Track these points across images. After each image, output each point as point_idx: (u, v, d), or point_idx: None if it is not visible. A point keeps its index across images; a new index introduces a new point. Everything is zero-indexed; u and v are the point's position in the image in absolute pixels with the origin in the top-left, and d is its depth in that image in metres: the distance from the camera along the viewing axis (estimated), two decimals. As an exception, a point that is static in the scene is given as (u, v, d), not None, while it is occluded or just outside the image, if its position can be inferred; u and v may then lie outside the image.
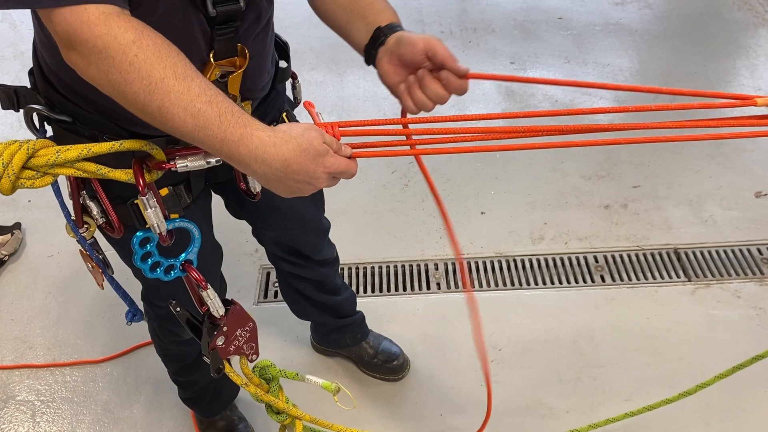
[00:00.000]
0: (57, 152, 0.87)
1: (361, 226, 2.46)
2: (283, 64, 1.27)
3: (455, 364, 2.02)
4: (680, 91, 1.03)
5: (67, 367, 2.07)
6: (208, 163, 0.93)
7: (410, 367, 2.00)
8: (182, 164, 0.93)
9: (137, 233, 0.99)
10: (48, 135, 1.05)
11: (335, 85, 3.18)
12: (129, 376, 2.04)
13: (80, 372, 2.06)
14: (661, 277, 2.25)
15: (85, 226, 1.11)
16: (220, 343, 1.07)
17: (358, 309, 1.94)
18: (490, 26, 3.57)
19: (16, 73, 3.37)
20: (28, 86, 1.07)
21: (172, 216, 1.05)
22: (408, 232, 2.46)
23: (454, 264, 2.33)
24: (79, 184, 1.05)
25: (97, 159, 0.93)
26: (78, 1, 0.79)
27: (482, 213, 2.51)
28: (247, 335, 1.11)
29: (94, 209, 1.07)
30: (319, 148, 0.88)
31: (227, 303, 1.08)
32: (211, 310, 1.05)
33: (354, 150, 0.97)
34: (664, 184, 2.60)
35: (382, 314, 2.15)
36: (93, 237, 1.17)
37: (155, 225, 0.97)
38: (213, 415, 1.83)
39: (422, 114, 1.07)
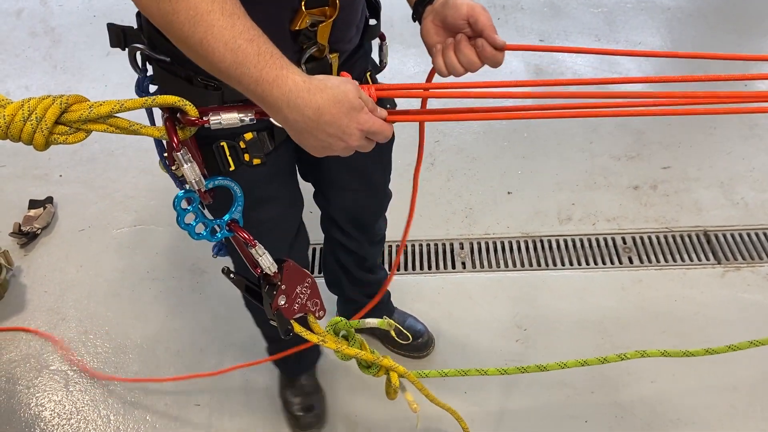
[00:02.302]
0: (90, 107, 0.86)
1: (386, 205, 2.46)
2: (372, 21, 1.28)
3: (479, 342, 2.03)
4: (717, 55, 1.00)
5: (98, 338, 2.12)
6: (242, 120, 0.93)
7: (435, 345, 2.01)
8: (215, 120, 0.93)
9: (178, 193, 0.98)
10: (149, 74, 1.13)
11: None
12: (159, 349, 2.08)
13: (111, 344, 2.11)
14: (690, 259, 2.22)
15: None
16: (282, 303, 1.05)
17: (384, 287, 1.96)
18: (519, 3, 3.52)
19: (47, 48, 3.41)
20: (134, 26, 1.11)
21: (255, 162, 1.08)
22: (433, 210, 2.46)
23: (479, 243, 2.33)
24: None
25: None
26: None
27: (509, 193, 2.50)
28: (309, 292, 1.09)
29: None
30: (354, 102, 0.87)
31: (280, 261, 1.06)
32: (263, 266, 1.04)
33: (390, 115, 0.95)
34: (695, 165, 2.55)
35: (408, 292, 2.16)
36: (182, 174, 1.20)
37: (193, 181, 0.96)
38: (295, 374, 1.90)
39: (452, 80, 1.06)
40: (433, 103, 1.12)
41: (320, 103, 0.84)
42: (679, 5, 3.46)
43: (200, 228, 1.01)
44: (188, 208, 1.00)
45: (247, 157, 1.18)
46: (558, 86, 1.07)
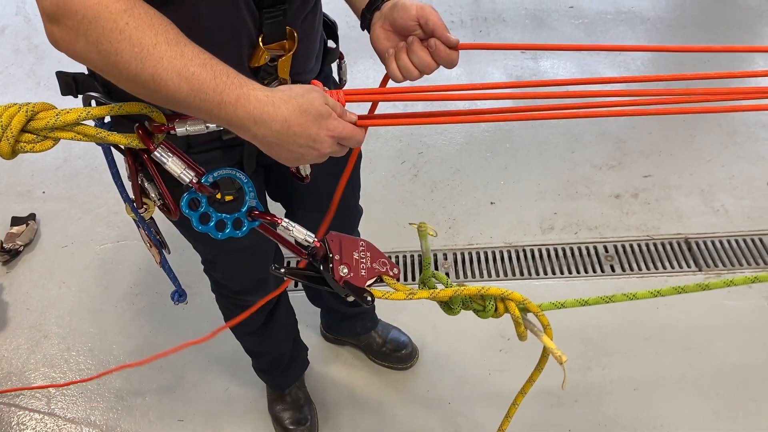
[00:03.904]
0: (56, 115, 0.86)
1: (370, 216, 2.45)
2: (331, 44, 1.27)
3: (463, 353, 2.03)
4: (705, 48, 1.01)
5: (81, 355, 2.11)
6: (207, 127, 0.92)
7: (419, 356, 2.01)
8: (182, 128, 0.91)
9: (183, 195, 0.96)
10: (106, 121, 1.05)
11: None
12: (142, 365, 2.07)
13: (93, 360, 2.09)
14: (672, 266, 2.24)
15: (144, 206, 1.13)
16: (345, 273, 1.00)
17: (368, 298, 1.96)
18: (501, 16, 3.55)
19: (31, 65, 3.41)
20: (86, 72, 1.06)
21: (227, 198, 1.03)
22: (417, 222, 2.46)
23: (463, 254, 2.33)
24: (137, 167, 1.06)
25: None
26: None
27: (492, 203, 2.51)
28: (369, 254, 1.03)
29: (152, 192, 1.07)
30: (321, 109, 0.86)
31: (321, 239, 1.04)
32: (298, 239, 1.00)
33: (361, 119, 0.94)
34: (676, 173, 2.58)
35: (391, 304, 2.13)
36: (151, 217, 1.19)
37: (180, 175, 0.94)
38: (283, 388, 1.88)
39: (430, 83, 1.03)
40: (418, 109, 1.11)
41: (286, 114, 0.83)
42: (659, 16, 3.51)
43: (221, 225, 0.99)
44: (200, 209, 0.98)
45: (218, 195, 1.17)
46: (535, 87, 1.07)
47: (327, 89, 0.93)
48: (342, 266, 1.00)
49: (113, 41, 0.78)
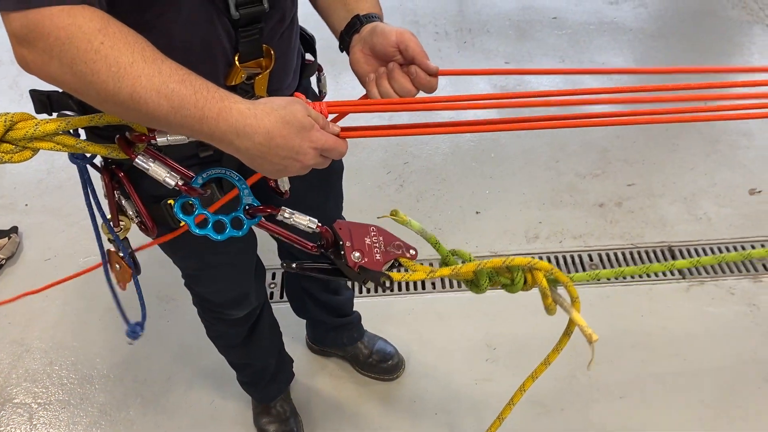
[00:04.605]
0: (36, 125, 0.85)
1: (356, 227, 2.47)
2: (310, 58, 1.26)
3: (449, 363, 2.03)
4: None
5: (63, 369, 2.08)
6: (189, 138, 0.90)
7: (405, 367, 2.00)
8: (162, 138, 0.91)
9: (176, 200, 0.95)
10: (82, 138, 1.03)
11: (331, 87, 3.14)
12: (126, 378, 2.05)
13: (77, 374, 2.07)
14: (656, 274, 2.26)
15: (121, 224, 1.12)
16: (358, 257, 0.98)
17: (354, 309, 1.95)
18: (485, 26, 3.58)
19: (14, 77, 3.38)
20: (60, 90, 1.04)
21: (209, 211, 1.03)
22: (402, 232, 2.46)
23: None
24: (113, 185, 1.05)
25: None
26: (45, 3, 0.75)
27: (477, 212, 2.52)
28: (381, 239, 1.02)
29: (129, 209, 1.07)
30: (303, 121, 0.85)
31: (328, 226, 1.03)
32: (301, 225, 0.99)
33: (344, 131, 0.94)
34: (659, 181, 2.60)
35: (378, 314, 2.15)
36: (126, 237, 1.17)
37: (165, 179, 0.93)
38: (269, 400, 1.86)
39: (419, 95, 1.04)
40: (403, 120, 1.11)
41: (269, 126, 0.83)
42: (641, 27, 3.55)
43: (220, 226, 0.98)
44: (195, 212, 0.96)
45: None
46: (520, 98, 1.07)
47: (309, 101, 0.93)
48: (354, 252, 0.98)
49: (89, 62, 0.76)
